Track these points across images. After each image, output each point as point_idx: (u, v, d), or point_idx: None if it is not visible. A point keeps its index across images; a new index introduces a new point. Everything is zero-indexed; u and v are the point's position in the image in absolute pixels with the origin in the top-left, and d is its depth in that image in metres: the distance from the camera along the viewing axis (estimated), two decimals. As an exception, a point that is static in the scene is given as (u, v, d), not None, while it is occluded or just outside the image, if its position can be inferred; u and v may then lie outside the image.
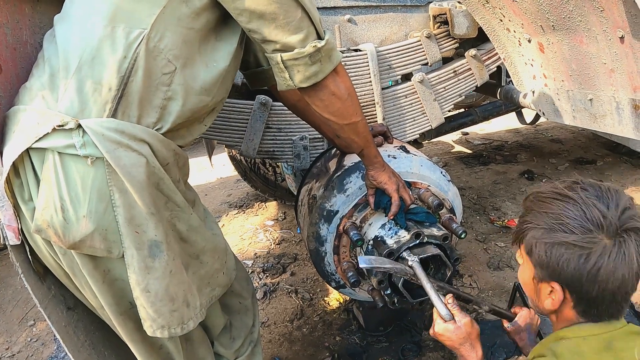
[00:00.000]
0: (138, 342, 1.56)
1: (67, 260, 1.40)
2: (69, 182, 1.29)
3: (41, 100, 1.31)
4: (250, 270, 3.47)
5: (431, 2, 2.57)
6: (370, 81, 2.38)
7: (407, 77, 2.56)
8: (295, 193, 2.70)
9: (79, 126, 1.27)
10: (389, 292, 1.89)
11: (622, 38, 1.71)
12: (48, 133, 1.26)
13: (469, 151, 5.42)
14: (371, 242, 1.91)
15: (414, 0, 2.54)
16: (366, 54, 2.35)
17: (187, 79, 1.41)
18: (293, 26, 1.38)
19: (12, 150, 1.29)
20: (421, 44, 2.47)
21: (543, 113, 2.46)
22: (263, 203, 4.51)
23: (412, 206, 1.90)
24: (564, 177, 4.43)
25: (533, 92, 2.46)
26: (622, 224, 1.19)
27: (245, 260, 3.60)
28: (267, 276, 3.39)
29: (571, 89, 2.17)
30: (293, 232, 3.95)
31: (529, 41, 2.23)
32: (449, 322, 1.53)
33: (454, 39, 2.54)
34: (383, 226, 1.89)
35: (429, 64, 2.54)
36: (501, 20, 2.29)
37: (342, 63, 1.57)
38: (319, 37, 1.44)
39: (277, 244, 3.82)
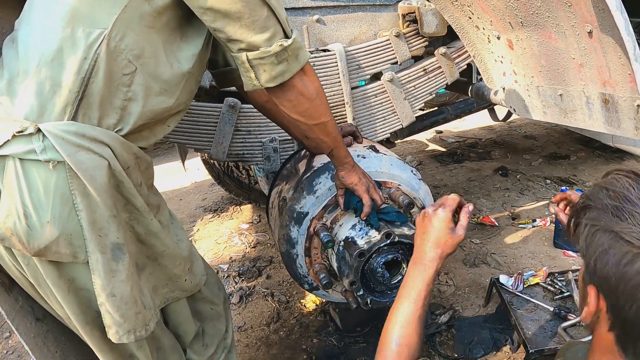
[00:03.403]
0: (107, 352, 1.52)
1: (31, 270, 1.36)
2: (31, 187, 1.26)
3: (1, 106, 1.27)
4: (225, 275, 3.43)
5: (400, 1, 2.55)
6: (340, 81, 2.36)
7: (376, 77, 2.54)
8: (265, 191, 2.68)
9: (39, 130, 1.24)
10: (361, 292, 1.86)
11: (590, 33, 1.71)
12: (8, 140, 1.23)
13: (443, 149, 5.43)
14: (342, 243, 1.88)
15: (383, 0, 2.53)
16: (335, 54, 2.32)
17: (148, 79, 1.37)
18: (258, 25, 1.35)
19: None
20: (390, 43, 2.45)
21: (514, 110, 2.46)
22: (238, 206, 4.47)
23: (383, 206, 1.88)
24: (538, 172, 4.46)
25: (503, 88, 2.46)
26: None
27: (221, 265, 3.55)
28: (242, 280, 3.35)
29: (541, 85, 2.17)
30: (268, 234, 3.91)
31: (498, 38, 2.23)
32: (452, 220, 1.39)
33: (424, 37, 2.52)
34: (354, 227, 1.86)
35: (399, 63, 2.52)
36: (470, 18, 2.28)
37: (311, 63, 1.54)
38: (286, 36, 1.41)
39: (252, 247, 3.78)
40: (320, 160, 2.06)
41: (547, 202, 3.94)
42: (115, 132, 1.36)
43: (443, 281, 3.10)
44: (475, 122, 6.03)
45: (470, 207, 1.43)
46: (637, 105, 1.73)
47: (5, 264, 1.40)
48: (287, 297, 3.12)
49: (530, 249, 3.34)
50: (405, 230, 1.82)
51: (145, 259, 1.52)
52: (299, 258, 2.04)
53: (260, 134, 2.31)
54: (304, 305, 3.03)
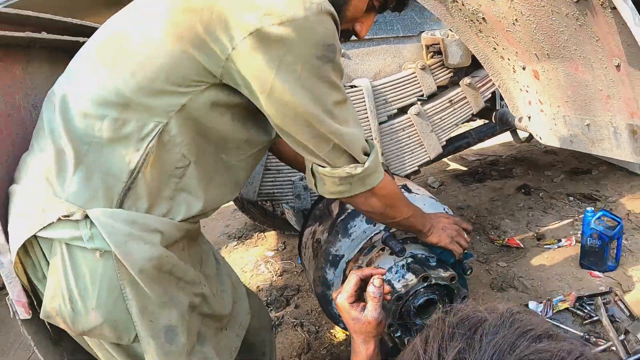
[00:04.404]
0: None
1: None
2: (77, 274, 1.24)
3: (45, 183, 1.25)
4: (254, 305, 3.44)
5: (423, 31, 2.58)
6: (367, 116, 2.38)
7: (403, 110, 2.56)
8: (295, 226, 2.69)
9: (86, 216, 1.22)
10: (398, 334, 1.87)
11: (618, 66, 1.72)
12: (53, 222, 1.21)
13: (464, 168, 5.43)
14: None
15: (406, 31, 2.55)
16: (362, 90, 2.35)
17: (202, 172, 1.36)
18: (323, 156, 1.35)
19: (17, 235, 1.25)
20: (416, 76, 2.48)
21: (540, 137, 2.47)
22: (262, 233, 4.49)
23: None
24: (560, 189, 4.44)
25: (529, 117, 2.46)
26: None
27: (248, 294, 3.57)
28: (271, 310, 3.36)
29: (568, 114, 2.17)
30: (294, 262, 3.92)
31: (524, 68, 2.24)
32: (353, 307, 1.35)
33: (448, 68, 2.55)
34: (390, 269, 1.88)
35: (425, 96, 2.54)
36: (495, 49, 2.30)
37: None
38: (357, 160, 1.38)
39: (279, 276, 3.79)
40: None
41: (571, 220, 3.92)
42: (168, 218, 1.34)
43: (472, 307, 3.08)
44: (495, 138, 5.98)
45: (376, 281, 1.35)
46: (666, 138, 1.73)
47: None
48: (317, 327, 3.12)
49: (557, 270, 3.31)
50: (441, 272, 1.83)
51: (207, 327, 1.51)
52: (334, 300, 2.05)
53: (290, 173, 2.34)
54: (334, 336, 3.03)
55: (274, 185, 2.35)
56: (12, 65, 1.49)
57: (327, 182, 1.40)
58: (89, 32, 1.79)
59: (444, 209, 2.10)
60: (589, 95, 1.97)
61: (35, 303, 1.34)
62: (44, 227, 1.21)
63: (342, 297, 1.35)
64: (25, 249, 1.26)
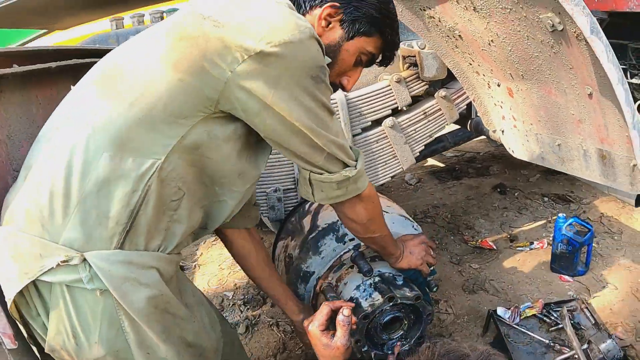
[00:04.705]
0: None
1: None
2: (79, 312, 1.29)
3: (40, 228, 1.26)
4: (231, 303, 3.47)
5: (400, 41, 2.59)
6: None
7: (377, 122, 2.59)
8: (271, 229, 2.73)
9: (84, 260, 1.24)
10: (365, 348, 1.93)
11: (590, 94, 1.76)
12: (52, 268, 1.24)
13: (442, 165, 5.48)
14: None
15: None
16: (336, 103, 2.37)
17: (193, 201, 1.41)
18: (320, 164, 1.44)
19: (13, 280, 1.27)
20: (391, 89, 2.50)
21: (513, 151, 2.52)
22: (240, 229, 4.50)
23: None
24: (536, 189, 4.52)
25: (502, 131, 2.51)
26: None
27: (226, 292, 3.60)
28: (248, 309, 3.40)
29: (540, 133, 2.22)
30: (271, 259, 3.95)
31: (498, 85, 2.27)
32: (324, 334, 1.46)
33: (424, 80, 2.57)
34: (357, 287, 1.94)
35: (399, 108, 2.57)
36: (470, 64, 2.33)
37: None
38: (347, 165, 1.48)
39: (256, 273, 3.81)
40: (325, 220, 2.12)
41: (544, 222, 4.00)
42: (160, 251, 1.38)
43: (443, 309, 3.15)
44: (473, 134, 6.08)
45: (345, 311, 1.47)
46: (633, 165, 1.78)
47: None
48: (292, 327, 3.16)
49: (528, 274, 3.39)
50: (407, 292, 1.89)
51: (199, 357, 1.55)
52: (305, 314, 2.10)
53: (264, 184, 2.37)
54: (309, 336, 3.07)
55: (249, 197, 2.38)
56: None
57: (326, 188, 1.48)
58: (58, 56, 1.80)
59: (413, 227, 2.14)
60: (560, 118, 2.02)
61: (27, 335, 1.38)
62: (43, 272, 1.24)
63: (314, 325, 1.45)
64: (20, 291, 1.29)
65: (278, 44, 1.21)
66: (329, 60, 1.47)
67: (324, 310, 1.47)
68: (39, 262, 1.24)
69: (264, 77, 1.23)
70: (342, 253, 2.04)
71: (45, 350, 1.35)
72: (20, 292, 1.29)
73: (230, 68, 1.22)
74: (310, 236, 2.07)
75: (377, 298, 1.88)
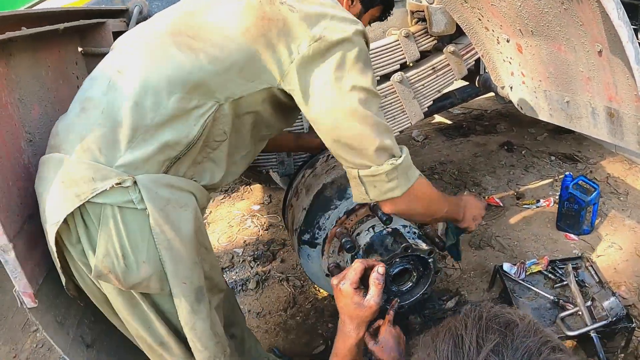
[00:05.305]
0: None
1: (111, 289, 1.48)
2: (129, 231, 1.37)
3: (97, 154, 1.35)
4: (241, 259, 3.55)
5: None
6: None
7: (386, 77, 2.58)
8: (280, 185, 2.76)
9: (135, 183, 1.34)
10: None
11: (600, 52, 1.75)
12: (106, 190, 1.32)
13: (449, 122, 5.47)
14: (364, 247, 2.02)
15: (392, -5, 2.54)
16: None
17: (231, 149, 1.55)
18: (370, 155, 1.49)
19: (63, 202, 1.33)
20: (399, 44, 2.49)
21: (520, 107, 2.52)
22: (248, 186, 4.55)
23: None
24: (543, 148, 4.51)
25: (511, 87, 2.50)
26: None
27: (235, 249, 3.67)
28: (258, 264, 3.47)
29: (548, 89, 2.22)
30: (279, 216, 4.00)
31: (508, 41, 2.26)
32: (356, 292, 1.41)
33: (432, 36, 2.55)
34: (374, 235, 1.99)
35: (408, 63, 2.56)
36: (480, 20, 2.31)
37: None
38: (394, 154, 1.53)
39: (265, 230, 3.88)
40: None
41: (551, 180, 4.01)
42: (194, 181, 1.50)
43: (450, 264, 3.21)
44: (481, 91, 6.03)
45: (380, 269, 1.42)
46: (641, 123, 1.79)
47: (84, 281, 1.50)
48: (302, 282, 3.24)
49: (534, 231, 3.43)
50: (422, 245, 1.93)
51: (210, 292, 1.62)
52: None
53: (274, 141, 2.38)
54: (318, 290, 3.14)
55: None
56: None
57: (378, 182, 1.53)
58: (65, 17, 1.80)
59: None
60: (570, 75, 2.01)
61: (60, 266, 1.43)
62: (96, 194, 1.32)
63: (346, 283, 1.41)
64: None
65: (339, 34, 1.42)
66: None
67: (357, 268, 1.42)
68: (92, 184, 1.32)
69: (325, 61, 1.42)
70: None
71: (92, 276, 1.41)
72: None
73: (297, 51, 1.41)
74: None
75: (393, 246, 1.92)
